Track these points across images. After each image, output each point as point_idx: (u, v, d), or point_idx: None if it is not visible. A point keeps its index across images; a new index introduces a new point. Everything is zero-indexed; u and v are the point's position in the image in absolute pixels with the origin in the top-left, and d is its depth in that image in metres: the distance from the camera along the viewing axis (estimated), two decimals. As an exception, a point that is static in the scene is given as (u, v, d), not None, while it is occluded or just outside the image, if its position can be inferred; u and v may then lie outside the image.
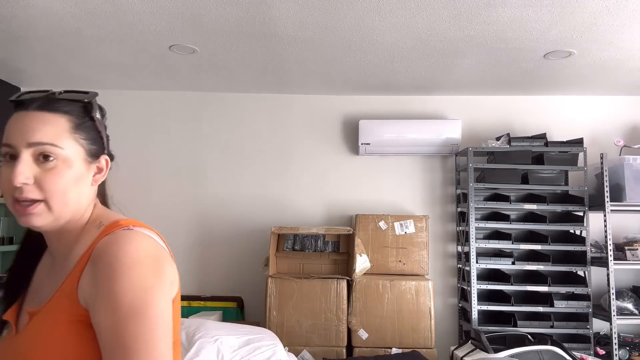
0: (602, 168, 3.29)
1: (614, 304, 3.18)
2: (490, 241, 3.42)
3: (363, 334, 3.11)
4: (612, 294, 3.18)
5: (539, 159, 3.49)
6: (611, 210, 3.28)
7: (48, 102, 0.86)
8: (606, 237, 3.23)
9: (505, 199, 3.46)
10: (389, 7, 2.40)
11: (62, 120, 0.86)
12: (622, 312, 3.28)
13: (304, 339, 3.07)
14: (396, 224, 3.43)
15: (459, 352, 3.04)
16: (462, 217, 3.62)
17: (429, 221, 3.58)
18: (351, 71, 3.34)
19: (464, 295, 3.55)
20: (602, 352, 3.26)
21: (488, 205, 3.45)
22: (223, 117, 3.89)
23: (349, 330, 3.12)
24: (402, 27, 2.63)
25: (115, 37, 2.84)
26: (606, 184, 3.27)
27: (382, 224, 3.43)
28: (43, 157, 0.83)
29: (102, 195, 1.03)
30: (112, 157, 1.03)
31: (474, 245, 3.36)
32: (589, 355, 3.10)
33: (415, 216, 3.45)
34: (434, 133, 3.64)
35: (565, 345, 3.05)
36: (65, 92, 0.90)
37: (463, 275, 3.56)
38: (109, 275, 0.77)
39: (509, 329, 3.23)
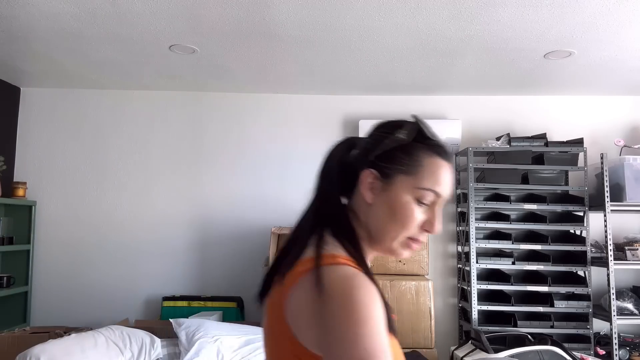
0: (602, 168, 3.29)
1: (614, 304, 3.18)
2: (490, 241, 3.42)
3: (363, 334, 3.10)
4: (612, 294, 3.18)
5: (539, 159, 3.49)
6: (611, 210, 3.28)
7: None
8: (606, 237, 3.23)
9: (505, 199, 3.45)
10: (389, 7, 2.40)
11: None
12: (622, 312, 3.28)
13: (304, 339, 3.07)
14: (396, 224, 3.42)
15: (459, 352, 3.04)
16: (462, 217, 3.62)
17: (429, 221, 3.58)
18: (351, 71, 3.34)
19: (464, 295, 3.55)
20: (602, 352, 3.26)
21: (488, 205, 3.45)
22: (223, 117, 3.89)
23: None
24: (402, 27, 2.63)
25: (115, 37, 2.84)
26: (606, 184, 3.27)
27: (382, 224, 3.43)
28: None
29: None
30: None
31: (474, 245, 3.36)
32: (589, 355, 3.10)
33: (415, 216, 3.44)
34: (434, 133, 3.63)
35: (566, 345, 3.05)
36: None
37: (463, 275, 3.56)
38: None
39: (509, 329, 3.23)
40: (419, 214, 0.88)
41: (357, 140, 0.96)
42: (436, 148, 0.90)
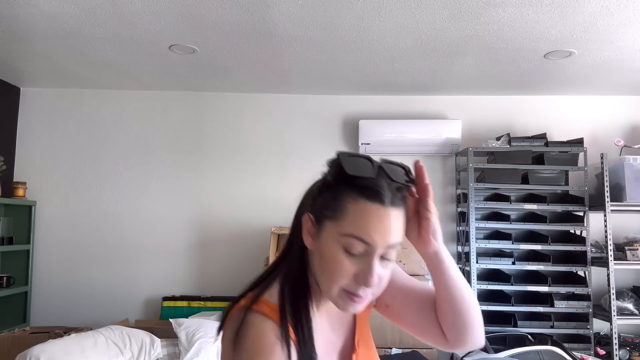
0: (602, 168, 3.29)
1: (614, 304, 3.18)
2: (491, 241, 3.42)
3: (363, 334, 3.11)
4: (613, 294, 3.18)
5: (539, 159, 3.48)
6: (611, 210, 3.28)
7: (396, 194, 0.81)
8: (606, 237, 3.23)
9: (505, 199, 3.45)
10: (389, 7, 2.40)
11: (404, 213, 0.83)
12: (622, 312, 3.28)
13: (304, 339, 3.07)
14: (396, 224, 3.42)
15: (459, 352, 3.04)
16: (462, 217, 3.62)
17: (429, 221, 3.58)
18: (351, 71, 3.34)
19: (464, 296, 3.54)
20: (602, 352, 3.26)
21: (488, 205, 3.45)
22: (223, 117, 3.89)
23: (349, 331, 3.11)
24: (402, 27, 2.63)
25: (115, 37, 2.84)
26: (606, 184, 3.27)
27: (382, 224, 3.43)
28: (387, 255, 0.81)
29: None
30: None
31: (474, 245, 3.36)
32: (589, 355, 3.10)
33: (415, 216, 3.44)
34: (434, 133, 3.64)
35: (566, 345, 3.05)
36: (391, 167, 0.82)
37: (463, 275, 3.56)
38: None
39: (509, 329, 3.23)
40: (348, 265, 0.78)
41: None
42: (356, 187, 0.79)
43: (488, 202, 3.45)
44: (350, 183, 0.79)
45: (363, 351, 0.93)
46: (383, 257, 0.80)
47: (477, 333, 0.91)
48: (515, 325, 3.24)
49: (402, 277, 0.98)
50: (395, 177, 0.81)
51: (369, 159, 0.81)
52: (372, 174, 0.79)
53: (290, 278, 0.85)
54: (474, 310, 0.90)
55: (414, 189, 0.86)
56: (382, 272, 0.80)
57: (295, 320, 0.80)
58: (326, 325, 0.89)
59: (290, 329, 0.79)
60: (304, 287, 0.85)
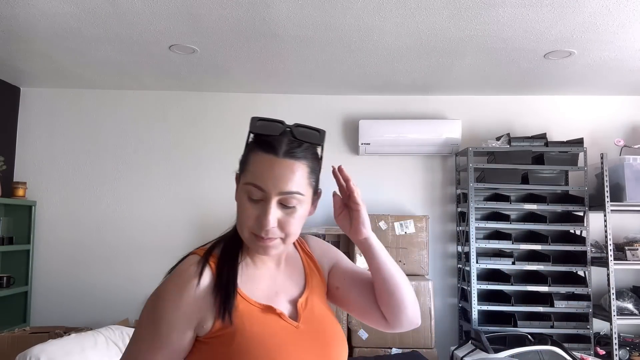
0: (602, 168, 3.29)
1: (614, 304, 3.18)
2: (491, 241, 3.42)
3: (363, 334, 3.11)
4: (612, 294, 3.18)
5: (539, 159, 3.49)
6: (611, 210, 3.28)
7: (294, 149, 0.92)
8: (606, 237, 3.23)
9: (505, 199, 3.45)
10: (389, 7, 2.40)
11: (304, 167, 0.93)
12: (622, 312, 3.28)
13: (304, 339, 3.07)
14: (396, 224, 3.43)
15: (459, 352, 3.04)
16: (462, 217, 3.62)
17: (429, 221, 3.58)
18: (351, 71, 3.34)
19: (464, 295, 3.55)
20: (602, 352, 3.26)
21: (488, 205, 3.45)
22: (223, 117, 3.89)
23: (349, 330, 3.12)
24: (402, 27, 2.63)
25: (115, 37, 2.84)
26: (606, 184, 3.27)
27: (382, 224, 3.43)
28: (287, 202, 0.91)
29: None
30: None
31: (474, 245, 3.36)
32: (589, 355, 3.10)
33: (415, 216, 3.44)
34: (434, 133, 3.64)
35: (566, 345, 3.05)
36: (300, 129, 0.94)
37: (463, 275, 3.56)
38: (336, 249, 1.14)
39: (509, 329, 3.23)
40: (251, 210, 0.91)
41: None
42: (259, 143, 0.93)
43: (488, 202, 3.45)
44: (256, 141, 0.95)
45: (313, 301, 1.01)
46: (284, 205, 0.91)
47: (412, 312, 1.02)
48: (515, 325, 3.24)
49: (348, 262, 1.12)
50: (301, 136, 0.93)
51: (281, 122, 0.94)
52: (275, 132, 0.92)
53: (230, 232, 1.00)
54: (406, 290, 1.01)
55: (344, 184, 0.99)
56: (283, 218, 0.91)
57: (220, 257, 0.94)
58: (267, 276, 1.00)
59: (213, 262, 0.93)
60: (237, 238, 0.97)
